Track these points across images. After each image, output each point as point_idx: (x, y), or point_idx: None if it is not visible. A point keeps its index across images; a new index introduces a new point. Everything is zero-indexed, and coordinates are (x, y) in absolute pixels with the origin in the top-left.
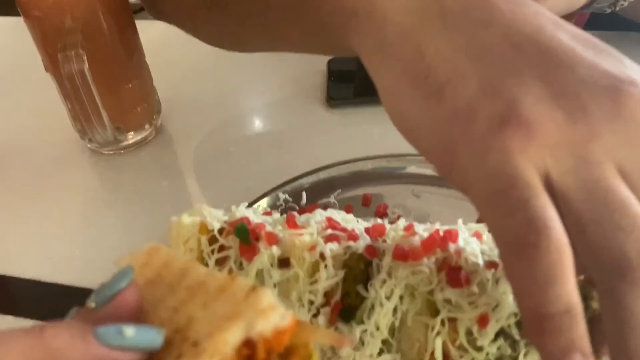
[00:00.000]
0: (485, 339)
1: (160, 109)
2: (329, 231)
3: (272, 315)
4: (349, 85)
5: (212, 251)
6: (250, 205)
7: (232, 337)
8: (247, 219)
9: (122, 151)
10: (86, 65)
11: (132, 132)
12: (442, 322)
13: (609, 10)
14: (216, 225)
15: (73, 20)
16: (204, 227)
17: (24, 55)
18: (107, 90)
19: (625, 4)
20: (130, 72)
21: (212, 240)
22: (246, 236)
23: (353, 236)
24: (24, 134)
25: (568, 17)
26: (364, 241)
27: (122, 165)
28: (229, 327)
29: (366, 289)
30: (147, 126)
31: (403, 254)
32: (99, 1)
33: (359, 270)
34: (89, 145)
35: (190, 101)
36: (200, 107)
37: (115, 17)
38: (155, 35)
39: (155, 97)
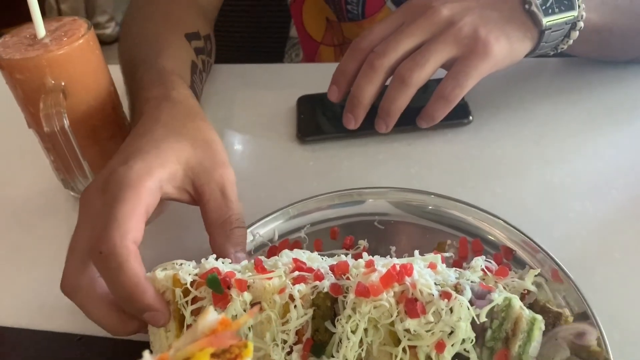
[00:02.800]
0: None
1: None
2: (296, 273)
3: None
4: (318, 121)
5: (187, 302)
6: None
7: None
8: (216, 269)
9: None
10: (67, 122)
11: None
12: (404, 350)
13: (552, 53)
14: (188, 278)
15: (54, 79)
16: (177, 280)
17: (8, 107)
18: (89, 143)
19: (565, 47)
20: (111, 124)
21: (186, 292)
22: (218, 286)
23: (319, 276)
24: (8, 183)
25: None
26: (329, 280)
27: None
28: None
29: (334, 325)
30: None
31: (365, 291)
32: (79, 60)
33: (326, 308)
34: (72, 194)
35: None
36: None
37: (95, 73)
38: None
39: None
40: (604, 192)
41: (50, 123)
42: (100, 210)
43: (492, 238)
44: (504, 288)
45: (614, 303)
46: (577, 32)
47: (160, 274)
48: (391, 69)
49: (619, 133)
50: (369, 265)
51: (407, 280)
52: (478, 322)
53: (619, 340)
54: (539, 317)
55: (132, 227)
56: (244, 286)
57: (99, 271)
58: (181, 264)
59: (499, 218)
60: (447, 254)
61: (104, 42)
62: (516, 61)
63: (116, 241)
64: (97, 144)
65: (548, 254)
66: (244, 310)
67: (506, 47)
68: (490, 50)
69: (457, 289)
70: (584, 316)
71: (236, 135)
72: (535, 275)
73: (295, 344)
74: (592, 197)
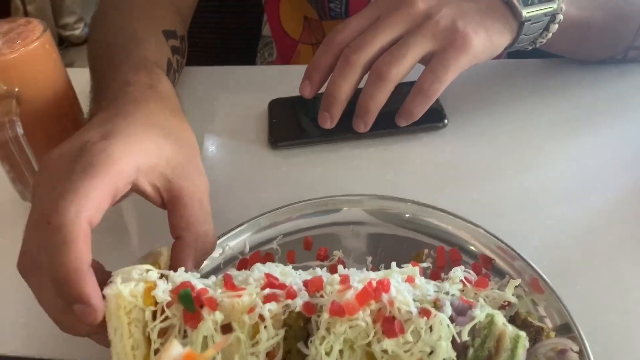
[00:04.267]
0: None
1: None
2: (267, 290)
3: None
4: (291, 126)
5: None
6: None
7: None
8: (189, 284)
9: None
10: (21, 131)
11: None
12: None
13: (530, 48)
14: (164, 297)
15: (6, 85)
16: (148, 297)
17: None
18: (45, 152)
19: (544, 41)
20: (68, 132)
21: (155, 311)
22: (190, 303)
23: (291, 294)
24: None
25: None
26: (302, 298)
27: None
28: None
29: (307, 346)
30: None
31: (339, 310)
32: (33, 64)
33: (298, 328)
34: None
35: None
36: None
37: (52, 78)
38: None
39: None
40: (583, 197)
41: (2, 132)
42: (64, 178)
43: (471, 247)
44: (484, 300)
45: (596, 313)
46: (557, 25)
47: (124, 288)
48: (368, 64)
49: (596, 136)
50: (344, 281)
51: (384, 297)
52: (459, 341)
53: (602, 353)
54: (523, 334)
55: (92, 205)
56: (214, 305)
57: (40, 242)
58: (147, 271)
59: (477, 226)
60: (424, 265)
61: (73, 43)
62: (495, 54)
63: (70, 215)
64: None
65: (527, 262)
66: (215, 331)
67: (485, 40)
68: (469, 43)
69: (437, 305)
70: (565, 328)
71: (204, 140)
72: (516, 287)
73: None
74: (570, 202)
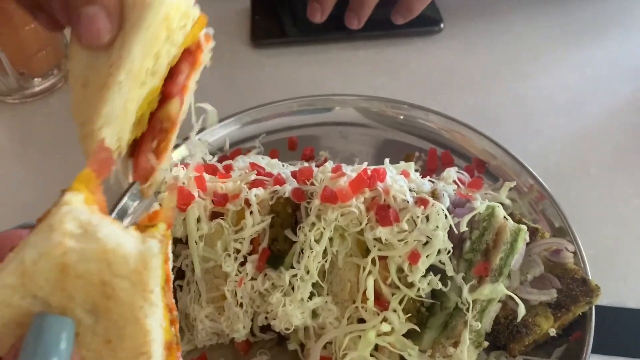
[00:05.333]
0: (416, 275)
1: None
2: (253, 176)
3: None
4: (275, 24)
5: None
6: (177, 146)
7: None
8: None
9: (29, 99)
10: None
11: (39, 79)
12: (373, 262)
13: None
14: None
15: None
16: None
17: None
18: (5, 32)
19: None
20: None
21: None
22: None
23: (279, 180)
24: None
25: None
26: (291, 185)
27: (31, 114)
28: None
29: (295, 233)
30: (55, 71)
31: (332, 196)
32: None
33: (286, 215)
34: None
35: None
36: None
37: None
38: None
39: (63, 40)
40: (579, 107)
41: None
42: None
43: (464, 151)
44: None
45: (590, 218)
46: None
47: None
48: None
49: (595, 47)
50: (337, 170)
51: (380, 185)
52: (457, 232)
53: (595, 255)
54: (524, 227)
55: None
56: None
57: None
58: None
59: (472, 129)
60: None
61: None
62: None
63: None
64: (15, 36)
65: (523, 165)
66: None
67: None
68: None
69: (435, 195)
70: (560, 232)
71: None
72: (510, 189)
73: (249, 253)
74: (566, 112)
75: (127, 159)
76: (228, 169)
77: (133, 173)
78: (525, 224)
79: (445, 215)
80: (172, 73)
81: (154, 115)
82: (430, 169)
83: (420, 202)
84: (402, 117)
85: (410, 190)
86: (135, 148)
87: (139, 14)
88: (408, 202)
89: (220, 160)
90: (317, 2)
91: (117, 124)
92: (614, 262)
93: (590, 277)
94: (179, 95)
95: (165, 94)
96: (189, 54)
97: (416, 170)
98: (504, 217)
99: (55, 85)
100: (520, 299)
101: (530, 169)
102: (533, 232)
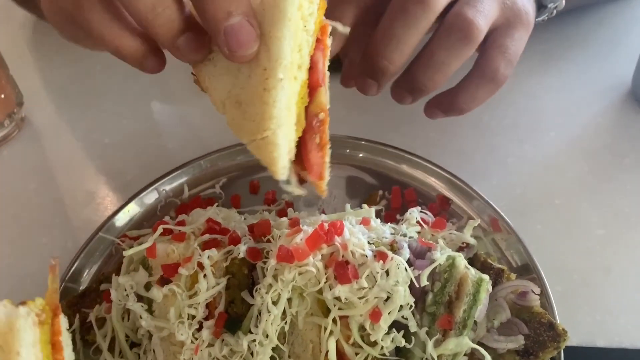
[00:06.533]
0: (378, 333)
1: (22, 101)
2: (207, 236)
3: None
4: None
5: None
6: (129, 201)
7: None
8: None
9: None
10: None
11: None
12: (334, 321)
13: (555, 12)
14: None
15: None
16: None
17: None
18: None
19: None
20: None
21: None
22: None
23: (234, 239)
24: None
25: None
26: (247, 244)
27: None
28: None
29: (252, 295)
30: (6, 122)
31: (288, 255)
32: None
33: (242, 276)
34: None
35: (57, 89)
36: (68, 96)
37: None
38: (10, 20)
39: (15, 88)
40: (543, 134)
41: None
42: None
43: (427, 188)
44: (442, 242)
45: (556, 252)
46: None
47: None
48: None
49: (556, 74)
50: (294, 224)
51: (337, 240)
52: (418, 286)
53: (561, 292)
54: (486, 277)
55: None
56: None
57: None
58: None
59: (434, 165)
60: (378, 207)
61: None
62: None
63: None
64: None
65: (487, 202)
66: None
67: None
68: (531, 22)
69: (394, 247)
70: (526, 269)
71: (139, 77)
72: (474, 227)
73: (205, 319)
74: (531, 139)
75: (292, 166)
76: (182, 224)
77: (308, 174)
78: (491, 264)
79: (406, 268)
80: (310, 63)
81: (307, 110)
82: (394, 207)
83: (380, 256)
84: (361, 155)
85: (369, 242)
86: (298, 150)
87: (274, 10)
88: (367, 256)
89: (179, 210)
90: (372, 79)
91: (285, 124)
92: (582, 297)
93: (557, 320)
94: (323, 83)
95: (310, 86)
96: (318, 41)
97: (380, 210)
98: (465, 266)
99: (8, 136)
100: (488, 347)
101: (494, 206)
102: (498, 274)
